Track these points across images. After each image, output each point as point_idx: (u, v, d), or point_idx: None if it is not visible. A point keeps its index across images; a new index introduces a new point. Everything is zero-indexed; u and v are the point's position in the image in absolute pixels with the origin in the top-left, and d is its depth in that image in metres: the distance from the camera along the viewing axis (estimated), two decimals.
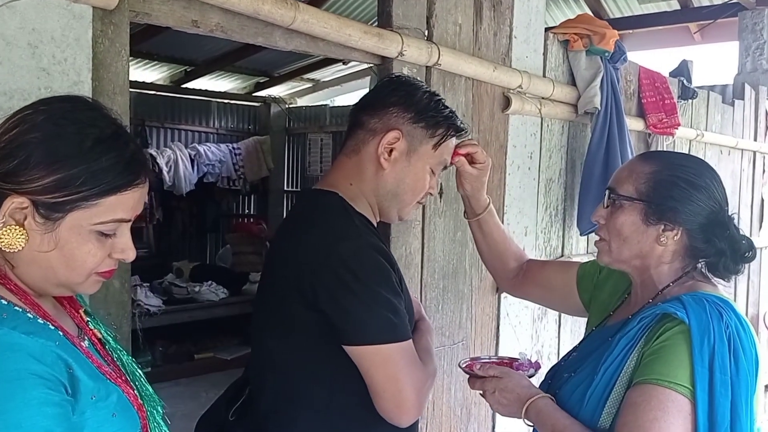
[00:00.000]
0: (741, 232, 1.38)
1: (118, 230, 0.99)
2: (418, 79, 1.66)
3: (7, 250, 0.92)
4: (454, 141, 1.52)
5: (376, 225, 1.51)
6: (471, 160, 1.69)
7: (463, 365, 1.54)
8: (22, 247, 0.93)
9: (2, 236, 0.91)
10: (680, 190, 1.35)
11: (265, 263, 1.52)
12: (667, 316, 1.28)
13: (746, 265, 1.40)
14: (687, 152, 4.17)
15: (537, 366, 1.54)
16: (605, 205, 1.44)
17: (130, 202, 0.98)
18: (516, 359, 1.58)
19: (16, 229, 0.92)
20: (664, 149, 3.75)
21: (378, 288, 1.29)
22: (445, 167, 1.54)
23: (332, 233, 1.33)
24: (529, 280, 1.83)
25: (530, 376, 1.50)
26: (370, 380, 1.29)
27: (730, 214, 1.39)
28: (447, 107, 1.49)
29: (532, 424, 1.39)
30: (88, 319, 1.10)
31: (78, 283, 0.99)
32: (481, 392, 1.48)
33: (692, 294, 1.31)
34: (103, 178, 0.94)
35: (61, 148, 0.92)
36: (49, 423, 0.86)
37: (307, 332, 1.34)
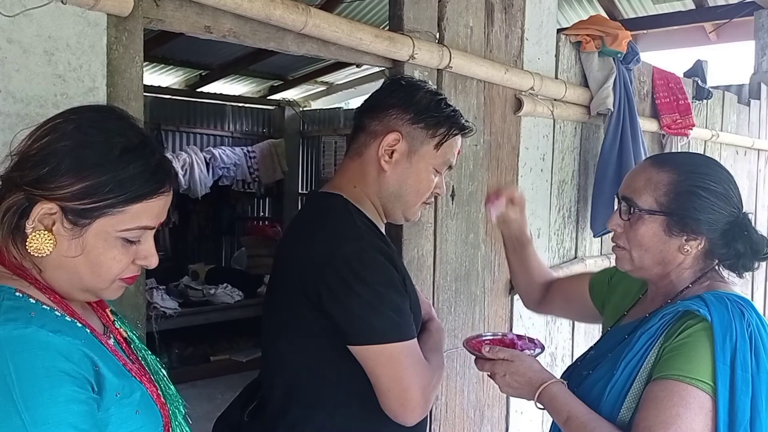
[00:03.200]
0: (758, 233, 1.38)
1: (142, 237, 1.01)
2: (423, 80, 1.67)
3: (36, 255, 0.95)
4: (459, 140, 1.52)
5: (383, 226, 1.52)
6: (511, 201, 1.76)
7: (468, 346, 1.53)
8: (50, 252, 0.95)
9: (31, 241, 0.94)
10: (702, 200, 1.34)
11: (273, 266, 1.53)
12: (688, 314, 1.28)
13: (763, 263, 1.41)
14: (702, 153, 4.14)
15: (541, 345, 1.55)
16: (623, 216, 1.41)
17: (155, 209, 1.00)
18: (521, 336, 1.59)
19: (44, 234, 0.94)
20: (679, 150, 3.74)
21: (381, 288, 1.31)
22: (450, 167, 1.54)
23: (335, 236, 1.34)
24: (549, 298, 1.87)
25: (536, 356, 1.50)
26: (376, 380, 1.30)
27: (746, 213, 1.39)
28: (449, 106, 1.49)
29: (543, 407, 1.40)
30: (114, 318, 1.13)
31: (102, 288, 1.02)
32: (488, 374, 1.48)
33: (713, 292, 1.32)
34: (129, 185, 0.96)
35: (90, 156, 0.95)
36: (76, 419, 0.88)
37: (313, 333, 1.36)
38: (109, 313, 1.12)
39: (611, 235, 1.49)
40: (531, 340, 1.57)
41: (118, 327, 1.12)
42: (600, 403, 1.33)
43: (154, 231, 1.03)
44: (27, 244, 0.94)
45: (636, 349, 1.33)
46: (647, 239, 1.38)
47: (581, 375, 1.46)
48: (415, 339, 1.36)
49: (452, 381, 2.45)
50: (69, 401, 0.88)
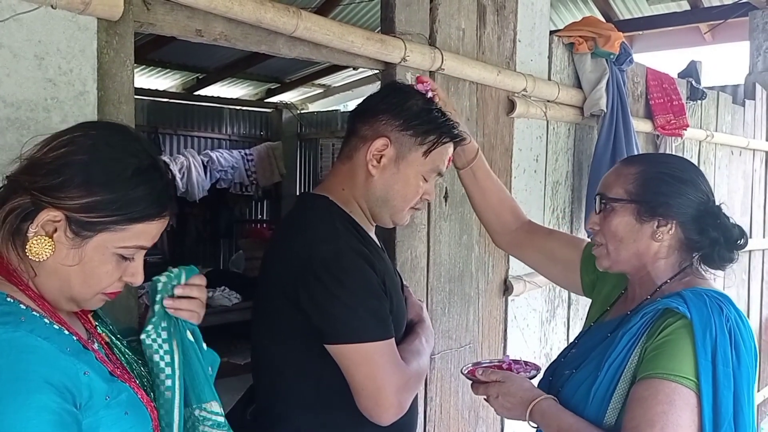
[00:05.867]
0: (731, 220, 1.41)
1: (136, 255, 1.05)
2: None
3: (34, 259, 0.98)
4: (449, 148, 1.53)
5: (373, 229, 1.54)
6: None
7: (465, 371, 1.56)
8: (48, 258, 0.98)
9: (32, 245, 0.97)
10: (668, 184, 1.39)
11: (260, 265, 1.56)
12: (668, 312, 1.30)
13: (739, 253, 1.43)
14: (697, 153, 4.16)
15: (537, 367, 1.57)
16: (597, 211, 1.46)
17: (153, 231, 1.05)
18: (518, 361, 1.60)
19: (45, 240, 0.97)
20: (673, 150, 3.75)
21: (356, 289, 1.33)
22: (440, 174, 1.55)
23: (314, 237, 1.37)
24: (530, 244, 1.84)
25: (531, 378, 1.52)
26: (351, 379, 1.33)
27: (718, 204, 1.43)
28: (441, 114, 1.50)
29: (536, 426, 1.41)
30: (97, 323, 1.15)
31: (86, 299, 1.05)
32: (484, 397, 1.50)
33: (692, 289, 1.34)
34: (135, 206, 1.01)
35: (103, 173, 0.99)
36: (45, 429, 0.88)
37: (293, 332, 1.39)
38: (91, 318, 1.14)
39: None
40: (527, 363, 1.59)
41: (101, 332, 1.14)
42: (586, 405, 1.35)
43: (146, 251, 1.07)
44: (27, 247, 0.97)
45: (619, 349, 1.34)
46: (620, 229, 1.42)
47: (564, 375, 1.47)
48: (392, 339, 1.37)
49: (447, 382, 2.45)
50: (41, 409, 0.89)
